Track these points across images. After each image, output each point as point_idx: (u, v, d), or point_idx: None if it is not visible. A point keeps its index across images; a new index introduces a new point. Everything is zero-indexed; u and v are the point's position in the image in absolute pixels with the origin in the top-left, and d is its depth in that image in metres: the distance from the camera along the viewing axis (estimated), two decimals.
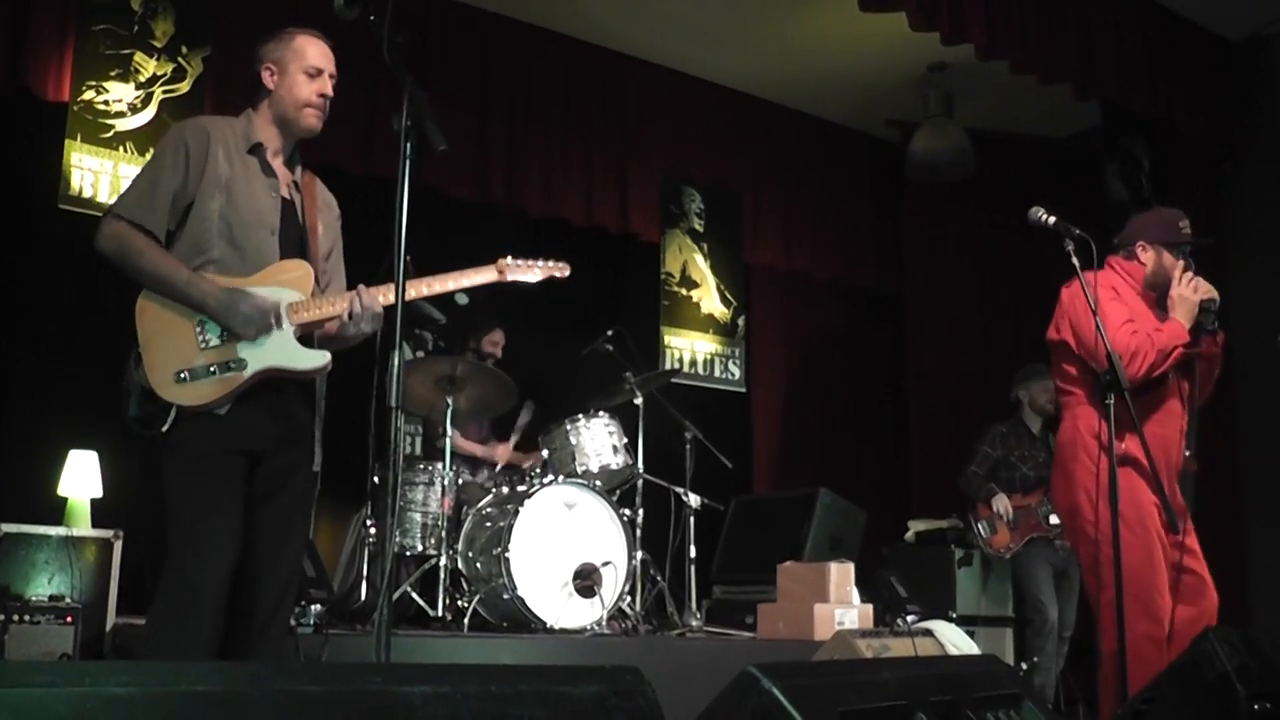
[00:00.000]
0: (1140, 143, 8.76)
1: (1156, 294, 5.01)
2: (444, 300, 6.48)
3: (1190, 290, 4.89)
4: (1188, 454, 5.00)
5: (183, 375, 3.52)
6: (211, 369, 3.54)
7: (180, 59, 7.36)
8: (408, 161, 3.18)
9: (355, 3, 3.40)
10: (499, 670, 1.63)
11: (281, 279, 3.72)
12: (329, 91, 3.89)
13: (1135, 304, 4.99)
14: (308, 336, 3.75)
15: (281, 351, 3.64)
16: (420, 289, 3.90)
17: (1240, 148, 8.81)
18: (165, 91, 7.27)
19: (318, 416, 3.88)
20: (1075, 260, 4.43)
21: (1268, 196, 8.56)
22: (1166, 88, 8.42)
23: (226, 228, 3.69)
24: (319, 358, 3.72)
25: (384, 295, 3.79)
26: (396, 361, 3.05)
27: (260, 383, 3.62)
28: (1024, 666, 6.31)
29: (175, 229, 3.70)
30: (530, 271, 4.21)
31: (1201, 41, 8.84)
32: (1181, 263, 4.98)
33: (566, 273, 4.32)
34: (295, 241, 3.84)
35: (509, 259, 4.17)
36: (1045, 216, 4.56)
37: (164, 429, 3.49)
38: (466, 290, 6.80)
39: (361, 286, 3.81)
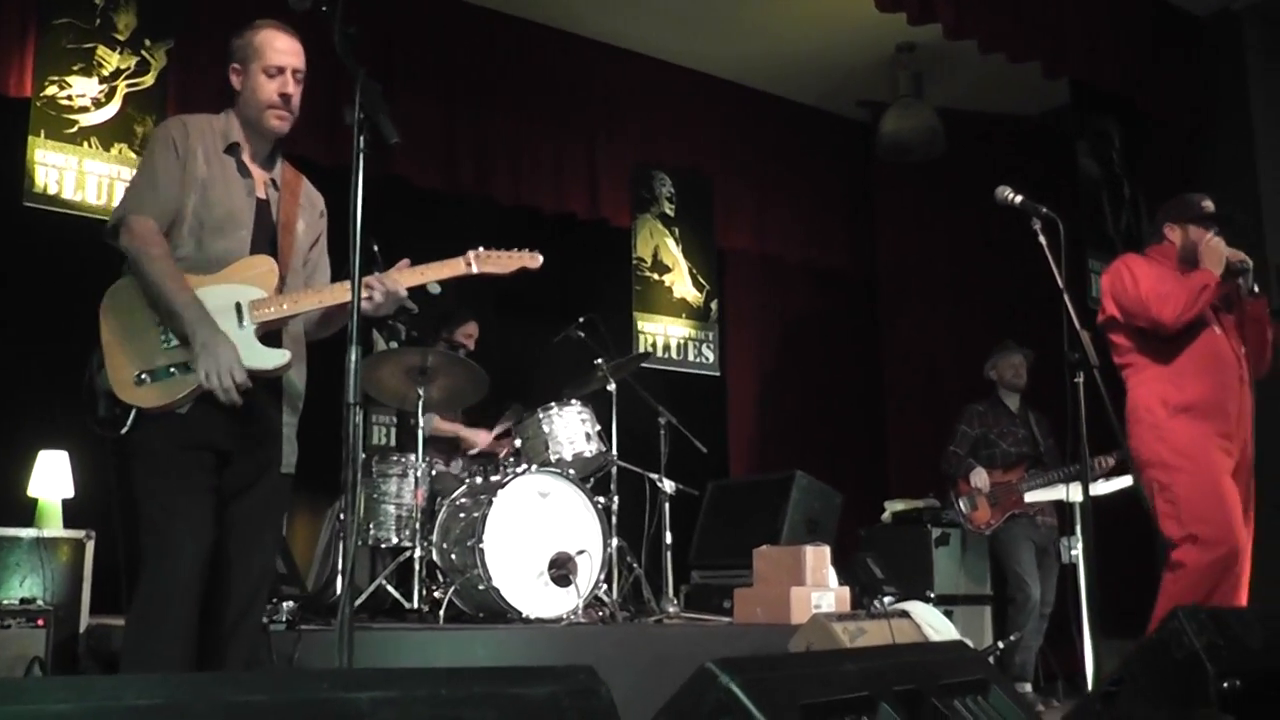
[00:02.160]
0: (1111, 120, 8.78)
1: (1190, 267, 5.26)
2: (416, 290, 6.44)
3: (1219, 245, 5.20)
4: None
5: (143, 377, 3.48)
6: (171, 370, 3.50)
7: (144, 52, 7.28)
8: (361, 155, 3.13)
9: None
10: (449, 673, 1.61)
11: (245, 275, 3.67)
12: (289, 91, 3.78)
13: (1170, 275, 5.29)
14: (270, 334, 3.69)
15: (241, 350, 3.59)
16: (385, 283, 3.85)
17: (1210, 123, 8.81)
18: (129, 85, 7.21)
19: (289, 415, 3.82)
20: (1042, 239, 4.44)
21: (1237, 172, 8.56)
22: (1136, 64, 8.43)
23: (198, 226, 3.66)
24: (279, 357, 3.66)
25: (430, 271, 3.91)
26: (353, 357, 3.01)
27: None
28: (1000, 645, 6.32)
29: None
30: (501, 263, 4.11)
31: (1170, 17, 8.85)
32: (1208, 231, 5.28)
33: (539, 263, 4.20)
34: (268, 240, 3.79)
35: (478, 250, 4.08)
36: (1011, 196, 4.58)
37: (123, 431, 3.45)
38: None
39: (379, 274, 3.81)
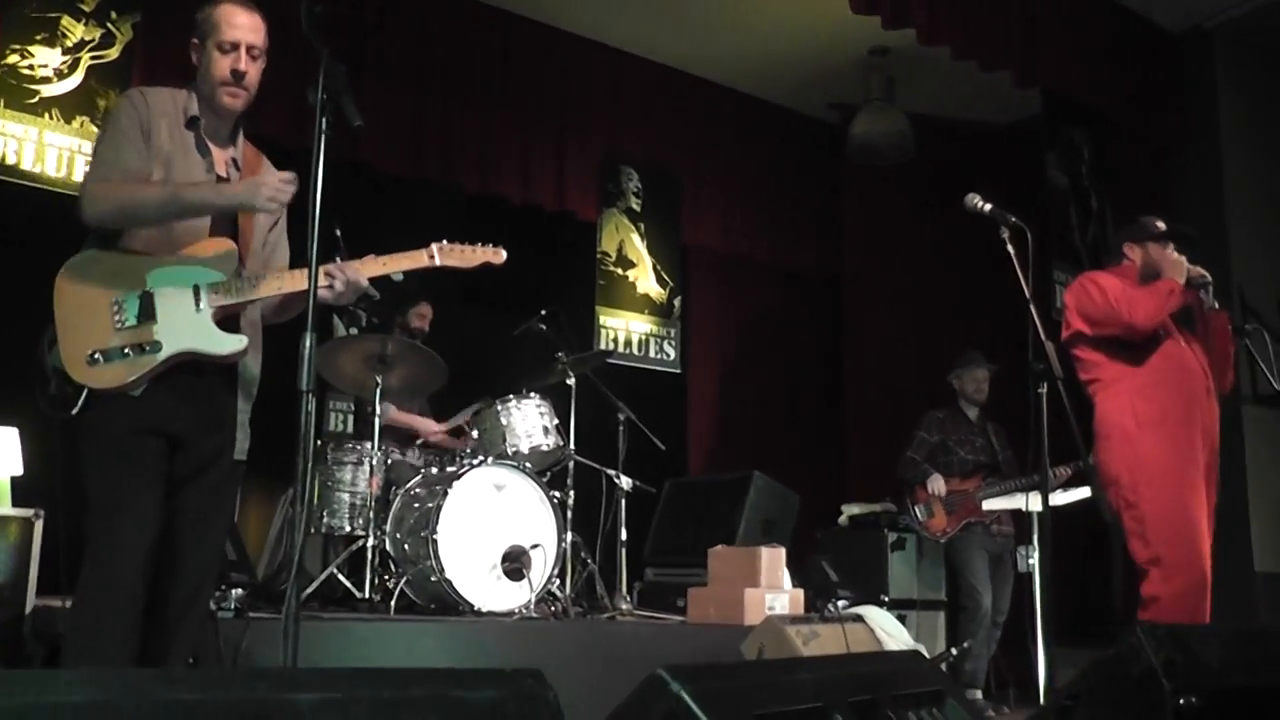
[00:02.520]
0: (1080, 132, 8.78)
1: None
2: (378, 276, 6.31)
3: (1180, 258, 5.26)
4: None
5: (96, 356, 3.40)
6: (126, 350, 3.42)
7: (110, 24, 7.17)
8: (323, 136, 3.06)
9: None
10: (391, 674, 1.56)
11: (204, 257, 3.60)
12: (242, 68, 3.68)
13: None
14: (228, 319, 3.62)
15: (198, 334, 3.52)
16: (346, 272, 3.77)
17: (1179, 139, 8.83)
18: (93, 57, 7.10)
19: (243, 402, 3.75)
20: (1010, 248, 4.43)
21: (1205, 188, 8.60)
22: (1107, 78, 8.44)
23: None
24: (236, 342, 3.59)
25: (392, 263, 3.85)
26: (308, 344, 2.95)
27: (178, 365, 3.50)
28: (953, 652, 6.31)
29: None
30: (464, 257, 4.05)
31: (1143, 32, 8.85)
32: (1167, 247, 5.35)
33: (503, 259, 4.13)
34: (228, 220, 3.70)
35: (442, 243, 4.01)
36: (981, 204, 4.58)
37: (74, 411, 3.38)
38: None
39: (340, 262, 3.75)
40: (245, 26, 3.70)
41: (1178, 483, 5.04)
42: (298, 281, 3.63)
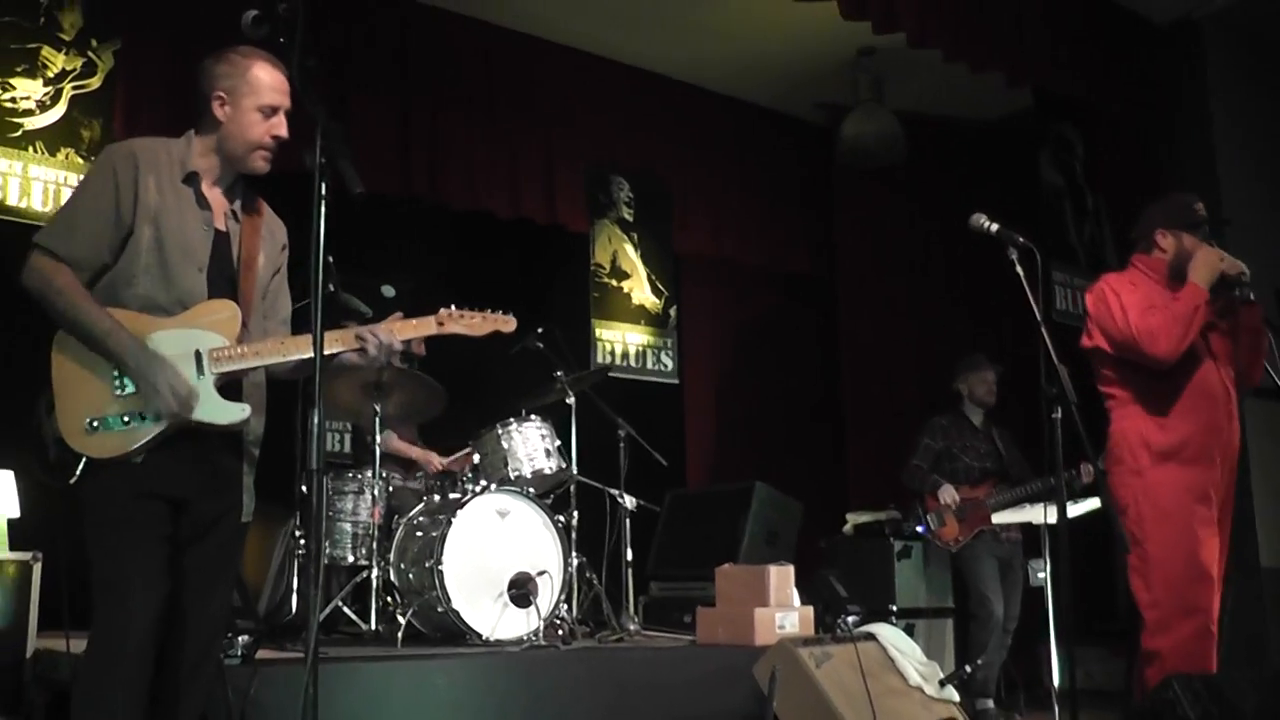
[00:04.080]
0: (1073, 127, 8.73)
1: (1181, 281, 4.96)
2: (370, 293, 6.20)
3: (1215, 256, 4.92)
4: None
5: (94, 424, 3.31)
6: (125, 419, 3.33)
7: (90, 53, 7.09)
8: (322, 202, 2.96)
9: (263, 21, 3.18)
10: None
11: (206, 321, 3.49)
12: (284, 134, 3.60)
13: (1158, 296, 4.98)
14: (230, 385, 3.52)
15: (199, 402, 3.42)
16: (380, 335, 3.65)
17: (1171, 132, 8.78)
18: (75, 87, 7.01)
19: (247, 465, 3.66)
20: (1019, 270, 4.32)
21: (1199, 181, 8.54)
22: (1098, 74, 8.41)
23: (155, 263, 3.46)
24: (237, 412, 3.49)
25: (399, 329, 3.75)
26: (316, 420, 2.84)
27: (178, 432, 3.41)
28: (968, 669, 6.24)
29: (111, 261, 3.47)
30: (473, 325, 3.98)
31: (1132, 25, 8.82)
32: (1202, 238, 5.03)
33: (513, 326, 4.10)
34: (227, 279, 3.60)
35: (450, 309, 3.93)
36: (987, 224, 4.47)
37: (72, 481, 3.30)
38: (392, 284, 6.58)
39: (374, 326, 3.69)
40: (283, 90, 3.60)
41: (1187, 521, 4.76)
42: (301, 346, 3.52)
